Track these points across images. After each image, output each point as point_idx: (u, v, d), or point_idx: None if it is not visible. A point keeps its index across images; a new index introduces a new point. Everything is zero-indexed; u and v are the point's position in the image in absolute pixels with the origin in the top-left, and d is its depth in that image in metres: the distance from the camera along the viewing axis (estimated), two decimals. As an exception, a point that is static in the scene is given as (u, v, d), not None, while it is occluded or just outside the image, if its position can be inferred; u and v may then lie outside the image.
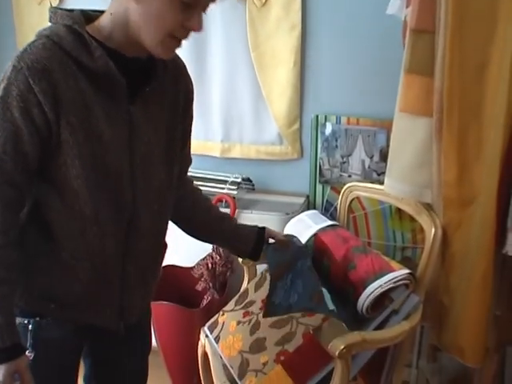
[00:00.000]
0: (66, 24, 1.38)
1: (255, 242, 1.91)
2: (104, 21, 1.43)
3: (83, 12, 1.44)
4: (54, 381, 1.55)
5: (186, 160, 1.78)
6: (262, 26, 2.82)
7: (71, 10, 1.43)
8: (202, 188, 2.82)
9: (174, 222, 1.79)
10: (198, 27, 1.41)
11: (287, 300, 1.86)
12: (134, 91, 1.45)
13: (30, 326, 1.49)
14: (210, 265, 2.67)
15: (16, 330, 1.40)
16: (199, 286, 2.66)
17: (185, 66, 1.64)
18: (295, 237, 2.00)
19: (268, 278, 2.18)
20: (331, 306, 1.84)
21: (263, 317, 1.92)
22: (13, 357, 1.37)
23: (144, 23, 1.37)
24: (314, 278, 1.88)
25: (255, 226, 1.94)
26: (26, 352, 1.43)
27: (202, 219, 1.86)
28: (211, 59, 2.89)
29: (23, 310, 1.50)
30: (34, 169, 1.38)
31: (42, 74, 1.31)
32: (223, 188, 2.85)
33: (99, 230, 1.46)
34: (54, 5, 3.09)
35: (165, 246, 1.72)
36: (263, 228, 1.94)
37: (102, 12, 1.46)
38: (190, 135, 1.72)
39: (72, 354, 1.65)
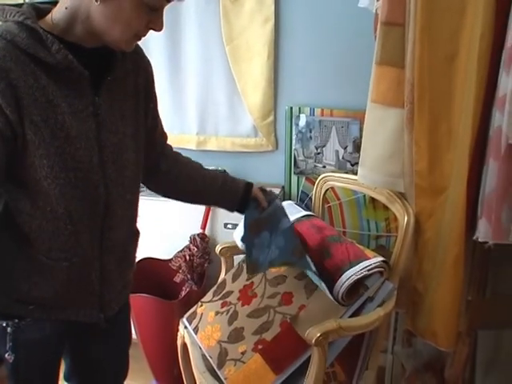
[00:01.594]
0: (17, 20, 1.32)
1: (241, 198, 1.89)
2: (58, 14, 1.37)
3: (32, 5, 1.39)
4: (35, 381, 1.54)
5: (161, 138, 1.77)
6: (235, 19, 2.81)
7: (19, 5, 1.37)
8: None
9: (156, 190, 1.81)
10: (161, 28, 1.42)
11: (268, 255, 1.86)
12: (96, 82, 1.42)
13: (9, 329, 1.47)
14: (187, 257, 2.67)
15: None
16: (177, 278, 2.67)
17: (141, 49, 1.61)
18: (277, 198, 1.98)
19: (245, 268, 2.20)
20: (311, 265, 1.85)
21: (247, 273, 1.90)
22: None
23: (110, 24, 1.36)
24: (294, 236, 1.89)
25: (242, 182, 1.91)
26: (6, 355, 1.42)
27: (189, 182, 1.83)
28: (186, 53, 2.88)
29: (0, 313, 1.48)
30: (1, 172, 1.33)
31: None
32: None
33: (74, 228, 1.44)
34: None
35: (137, 232, 1.71)
36: (251, 184, 1.93)
37: (51, 3, 1.42)
38: (157, 114, 1.70)
39: (53, 354, 1.63)
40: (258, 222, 1.89)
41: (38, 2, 1.43)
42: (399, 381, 2.50)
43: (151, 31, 1.42)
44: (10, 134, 1.30)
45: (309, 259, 1.87)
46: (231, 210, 1.91)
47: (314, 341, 1.72)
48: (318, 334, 1.71)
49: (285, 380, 1.83)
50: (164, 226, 2.81)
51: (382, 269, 1.95)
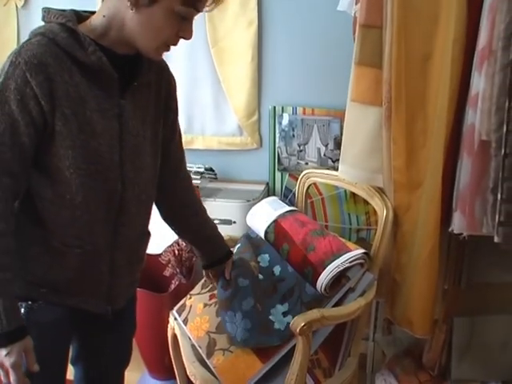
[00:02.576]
0: (60, 22, 1.39)
1: (216, 261, 1.97)
2: (96, 21, 1.43)
3: (74, 11, 1.46)
4: (45, 363, 1.55)
5: (177, 152, 1.76)
6: (220, 22, 2.81)
7: (63, 10, 1.44)
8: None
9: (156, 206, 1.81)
10: (191, 36, 1.47)
11: (238, 334, 1.90)
12: (123, 86, 1.46)
13: (22, 310, 1.48)
14: (176, 251, 2.66)
15: (20, 313, 1.42)
16: (167, 272, 2.66)
17: (166, 64, 1.66)
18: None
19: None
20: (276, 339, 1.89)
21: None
22: (20, 338, 1.37)
23: (142, 31, 1.40)
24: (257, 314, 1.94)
25: (225, 248, 1.97)
26: None
27: (186, 219, 1.85)
28: (172, 55, 2.86)
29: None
30: (30, 159, 1.38)
31: (38, 69, 1.32)
32: (187, 178, 2.84)
33: (89, 217, 1.47)
34: (20, 6, 3.04)
35: (148, 234, 1.74)
36: (231, 253, 2.00)
37: (91, 12, 1.48)
38: (176, 128, 1.72)
39: (63, 337, 1.65)
40: (224, 302, 1.97)
41: (80, 11, 1.49)
42: (380, 366, 2.52)
43: (181, 40, 1.47)
44: (42, 122, 1.36)
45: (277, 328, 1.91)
46: (206, 260, 1.98)
47: (298, 330, 1.73)
48: (302, 324, 1.73)
49: (271, 368, 1.84)
50: (153, 222, 2.81)
51: (362, 260, 1.96)
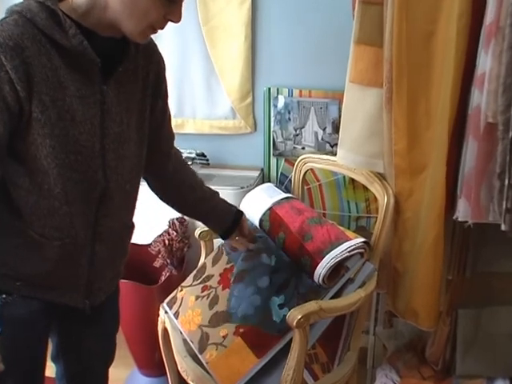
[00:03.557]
0: (39, 0, 1.35)
1: (229, 226, 2.00)
2: (79, 1, 1.39)
3: None
4: (21, 358, 1.55)
5: (169, 136, 1.79)
6: (212, 0, 2.79)
7: None
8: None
9: (157, 191, 1.85)
10: (179, 19, 1.43)
11: (241, 308, 1.95)
12: (107, 71, 1.43)
13: None
14: (166, 241, 2.66)
15: None
16: (157, 263, 2.66)
17: (155, 45, 1.63)
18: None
19: (225, 252, 2.20)
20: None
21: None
22: None
23: (126, 14, 1.37)
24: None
25: (233, 209, 2.01)
26: None
27: (191, 192, 1.89)
28: (161, 34, 2.84)
29: None
30: (4, 147, 1.35)
31: (14, 51, 1.29)
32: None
33: (69, 209, 1.45)
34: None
35: (132, 226, 1.73)
36: (241, 213, 2.02)
37: None
38: (166, 113, 1.72)
39: (39, 332, 1.63)
40: (240, 274, 2.01)
41: None
42: (381, 361, 2.52)
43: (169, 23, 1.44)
44: (17, 108, 1.32)
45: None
46: (218, 232, 2.03)
47: (295, 323, 1.72)
48: (299, 316, 1.72)
49: (267, 363, 1.83)
50: (142, 211, 2.80)
51: (362, 250, 1.96)
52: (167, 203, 1.88)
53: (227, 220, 1.98)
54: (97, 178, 1.46)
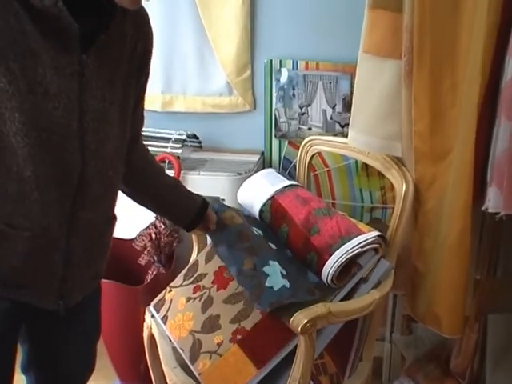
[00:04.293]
0: None
1: (194, 217, 2.02)
2: None
3: None
4: None
5: (140, 120, 1.79)
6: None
7: None
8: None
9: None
10: None
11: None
12: (87, 39, 1.41)
13: None
14: (153, 235, 2.66)
15: None
16: (142, 260, 2.66)
17: (147, 14, 1.61)
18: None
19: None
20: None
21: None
22: None
23: None
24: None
25: (198, 199, 2.02)
26: None
27: (147, 187, 1.91)
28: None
29: None
30: None
31: None
32: (166, 147, 2.83)
33: (41, 196, 1.43)
34: None
35: (114, 218, 1.72)
36: (207, 204, 2.04)
37: None
38: (144, 92, 1.72)
39: (7, 335, 1.62)
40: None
41: None
42: (398, 373, 2.53)
43: None
44: None
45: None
46: (181, 223, 2.06)
47: (300, 328, 1.72)
48: (305, 321, 1.71)
49: (268, 374, 1.83)
50: (125, 200, 2.79)
51: (377, 245, 1.96)
52: (126, 191, 1.88)
53: (193, 210, 2.00)
54: (73, 161, 1.44)
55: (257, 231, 2.13)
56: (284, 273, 1.95)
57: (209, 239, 2.27)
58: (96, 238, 1.63)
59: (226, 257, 2.03)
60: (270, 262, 1.96)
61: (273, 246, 2.10)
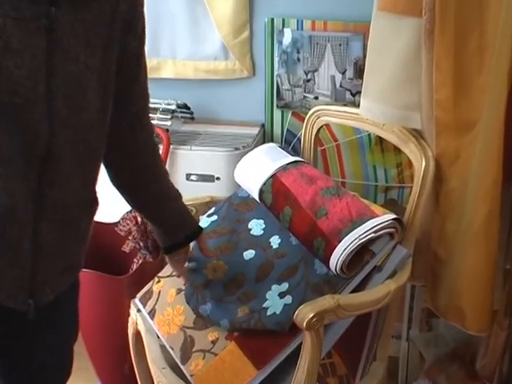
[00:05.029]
0: None
1: (181, 240, 2.01)
2: None
3: None
4: None
5: (143, 94, 1.75)
6: None
7: None
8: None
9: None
10: None
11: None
12: None
13: None
14: (139, 218, 2.66)
15: None
16: (126, 247, 2.66)
17: None
18: None
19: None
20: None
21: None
22: None
23: None
24: None
25: (195, 223, 2.03)
26: None
27: (144, 186, 1.88)
28: None
29: None
30: None
31: None
32: (153, 118, 2.81)
33: (4, 168, 1.41)
34: None
35: (94, 200, 1.70)
36: (200, 230, 2.04)
37: None
38: (141, 59, 1.69)
39: None
40: None
41: None
42: (417, 374, 2.54)
43: None
44: None
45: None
46: (169, 240, 2.01)
47: (305, 324, 1.72)
48: (311, 315, 1.72)
49: (268, 375, 1.84)
50: (107, 179, 2.79)
51: (392, 229, 1.96)
52: (120, 188, 1.87)
53: (185, 231, 1.99)
54: (40, 129, 1.42)
55: (256, 227, 2.15)
56: (284, 288, 1.97)
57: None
58: (70, 221, 1.59)
59: (212, 314, 2.01)
60: (273, 287, 1.99)
61: (275, 241, 2.11)
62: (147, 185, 1.86)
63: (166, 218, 1.95)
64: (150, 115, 2.75)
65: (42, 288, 1.58)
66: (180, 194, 1.95)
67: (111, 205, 2.71)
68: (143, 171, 1.84)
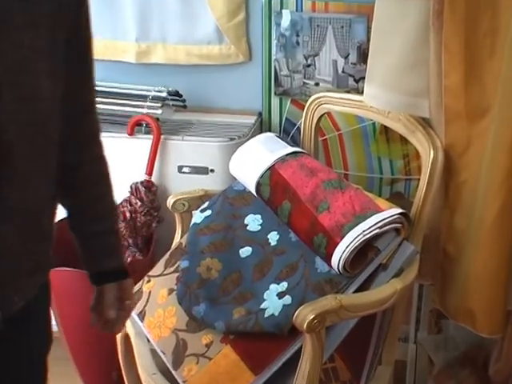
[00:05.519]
0: None
1: (106, 271, 1.82)
2: None
3: None
4: None
5: (87, 85, 1.68)
6: None
7: None
8: (113, 107, 2.79)
9: None
10: None
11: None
12: None
13: None
14: (127, 214, 2.67)
15: None
16: (114, 244, 2.66)
17: None
18: None
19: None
20: None
21: None
22: None
23: None
24: None
25: (122, 261, 1.86)
26: None
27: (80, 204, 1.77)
28: None
29: None
30: None
31: None
32: (142, 106, 2.82)
33: None
34: None
35: (55, 195, 1.67)
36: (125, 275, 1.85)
37: None
38: (89, 51, 1.62)
39: None
40: None
41: None
42: (425, 379, 2.54)
43: None
44: None
45: None
46: (90, 270, 1.84)
47: (305, 326, 1.72)
48: (312, 317, 1.72)
49: (267, 380, 1.85)
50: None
51: (399, 225, 1.96)
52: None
53: (110, 262, 1.81)
54: None
55: (253, 222, 2.15)
56: (283, 288, 1.97)
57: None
58: (32, 221, 1.55)
59: (206, 316, 2.00)
60: (271, 287, 1.99)
61: (273, 238, 2.11)
62: (88, 201, 1.76)
63: (95, 241, 1.80)
64: (139, 103, 2.76)
65: (9, 295, 1.54)
66: (118, 228, 1.86)
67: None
68: (86, 188, 1.75)
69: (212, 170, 2.68)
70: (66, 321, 2.69)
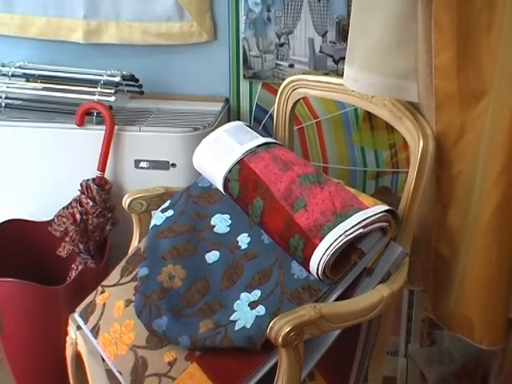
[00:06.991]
0: None
1: None
2: None
3: None
4: None
5: None
6: None
7: None
8: (58, 94, 2.78)
9: None
10: None
11: None
12: None
13: None
14: (77, 216, 2.66)
15: None
16: (63, 250, 2.66)
17: None
18: None
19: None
20: None
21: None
22: None
23: None
24: None
25: None
26: None
27: None
28: None
29: None
30: None
31: None
32: (92, 93, 2.81)
33: None
34: None
35: None
36: None
37: None
38: None
39: None
40: None
41: None
42: (417, 397, 2.56)
43: None
44: None
45: None
46: None
47: (281, 339, 1.72)
48: (288, 329, 1.72)
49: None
50: (37, 167, 2.78)
51: (385, 224, 1.97)
52: None
53: None
54: None
55: (221, 223, 2.16)
56: (255, 297, 1.97)
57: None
58: None
59: (168, 330, 2.00)
60: (242, 296, 1.99)
61: (244, 240, 2.12)
62: None
63: None
64: (89, 89, 2.75)
65: None
66: None
67: (43, 200, 2.71)
68: None
69: (173, 165, 2.68)
70: (9, 338, 2.68)
